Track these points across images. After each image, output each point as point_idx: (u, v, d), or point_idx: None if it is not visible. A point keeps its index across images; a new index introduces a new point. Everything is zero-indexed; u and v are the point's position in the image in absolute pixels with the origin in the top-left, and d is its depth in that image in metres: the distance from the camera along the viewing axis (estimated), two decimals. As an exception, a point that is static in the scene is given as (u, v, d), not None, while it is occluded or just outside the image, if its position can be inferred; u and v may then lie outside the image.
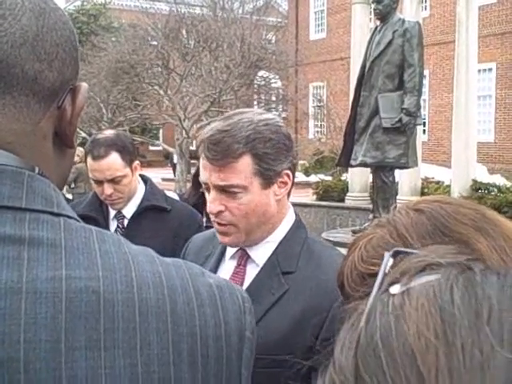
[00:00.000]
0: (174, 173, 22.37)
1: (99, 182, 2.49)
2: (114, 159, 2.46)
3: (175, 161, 24.00)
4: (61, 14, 0.71)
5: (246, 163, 1.42)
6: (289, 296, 1.43)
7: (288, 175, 1.49)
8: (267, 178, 1.46)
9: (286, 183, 1.50)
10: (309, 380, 1.32)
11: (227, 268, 1.56)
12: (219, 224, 1.48)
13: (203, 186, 1.50)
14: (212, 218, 1.49)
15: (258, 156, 1.43)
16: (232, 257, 1.56)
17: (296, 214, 1.58)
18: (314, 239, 1.59)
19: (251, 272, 1.52)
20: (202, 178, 1.47)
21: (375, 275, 0.82)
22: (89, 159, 2.48)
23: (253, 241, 1.51)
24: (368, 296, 0.49)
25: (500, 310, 0.37)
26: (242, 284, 1.50)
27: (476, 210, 0.81)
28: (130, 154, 2.52)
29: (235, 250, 1.55)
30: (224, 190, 1.44)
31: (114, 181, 2.47)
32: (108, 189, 2.47)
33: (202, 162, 1.45)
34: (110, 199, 2.51)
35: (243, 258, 1.55)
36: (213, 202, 1.44)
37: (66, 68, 0.71)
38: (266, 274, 1.48)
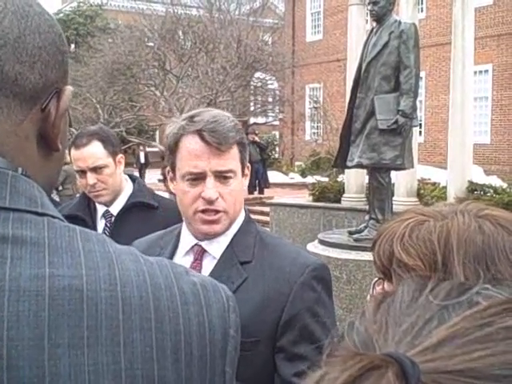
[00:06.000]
0: (141, 175, 20.19)
1: (83, 173, 2.50)
2: (96, 147, 2.48)
3: (143, 161, 22.12)
4: (46, 18, 0.71)
5: (236, 150, 1.53)
6: (248, 284, 1.50)
7: (248, 168, 1.60)
8: (243, 167, 1.56)
9: (247, 176, 1.60)
10: (273, 361, 1.47)
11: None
12: (212, 212, 1.53)
13: (185, 177, 1.53)
14: (203, 207, 1.53)
15: (242, 144, 1.54)
16: (186, 253, 1.61)
17: (245, 210, 1.66)
18: (265, 231, 1.68)
19: (208, 265, 1.58)
20: (195, 167, 1.51)
21: None
22: (72, 151, 2.49)
23: (226, 231, 1.58)
24: None
25: None
26: None
27: None
28: (112, 145, 2.54)
29: (189, 247, 1.61)
30: (220, 176, 1.51)
31: (96, 170, 2.48)
32: (91, 178, 2.48)
33: (196, 151, 1.50)
34: (95, 190, 2.51)
35: (199, 253, 1.60)
36: (212, 189, 1.50)
37: (49, 71, 0.70)
38: (224, 265, 1.54)
